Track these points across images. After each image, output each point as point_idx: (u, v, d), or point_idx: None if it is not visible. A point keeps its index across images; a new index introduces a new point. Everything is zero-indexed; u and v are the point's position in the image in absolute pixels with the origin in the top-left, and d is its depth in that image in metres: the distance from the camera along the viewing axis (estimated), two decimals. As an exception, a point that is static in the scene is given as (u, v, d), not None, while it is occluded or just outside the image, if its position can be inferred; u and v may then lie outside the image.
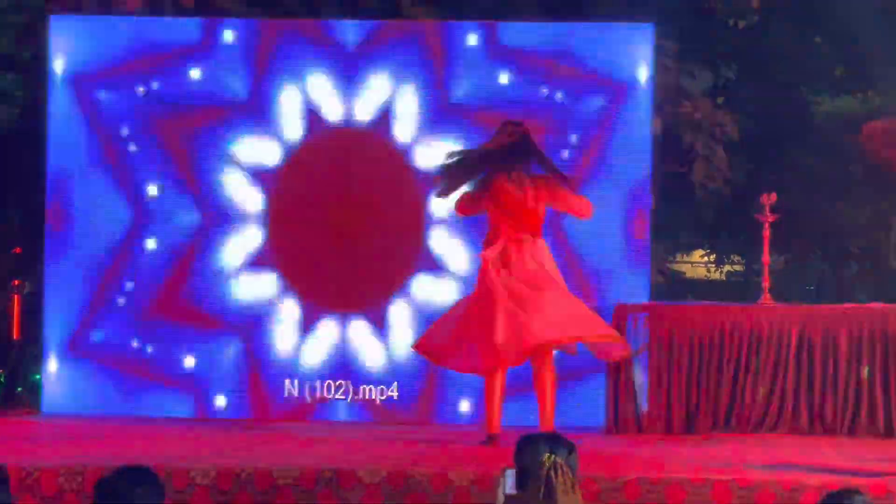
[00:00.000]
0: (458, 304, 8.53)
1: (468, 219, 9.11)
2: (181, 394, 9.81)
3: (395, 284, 9.83)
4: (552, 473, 4.20)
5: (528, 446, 4.49)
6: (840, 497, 4.19)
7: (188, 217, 9.88)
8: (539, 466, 4.26)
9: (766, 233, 9.23)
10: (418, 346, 8.57)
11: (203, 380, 9.82)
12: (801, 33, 11.96)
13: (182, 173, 9.88)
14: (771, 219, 9.20)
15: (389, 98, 9.84)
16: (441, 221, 9.77)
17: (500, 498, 4.56)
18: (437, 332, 8.38)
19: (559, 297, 8.17)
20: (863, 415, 8.87)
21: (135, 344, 9.83)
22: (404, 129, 9.84)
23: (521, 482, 4.45)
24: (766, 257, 9.32)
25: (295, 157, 9.89)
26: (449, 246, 9.81)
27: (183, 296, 9.86)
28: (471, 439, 8.22)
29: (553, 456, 4.25)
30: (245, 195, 9.88)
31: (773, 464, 7.32)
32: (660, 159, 10.40)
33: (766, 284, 9.27)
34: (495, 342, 7.95)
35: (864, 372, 8.87)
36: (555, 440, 4.50)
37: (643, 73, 9.71)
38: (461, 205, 8.48)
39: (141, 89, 9.85)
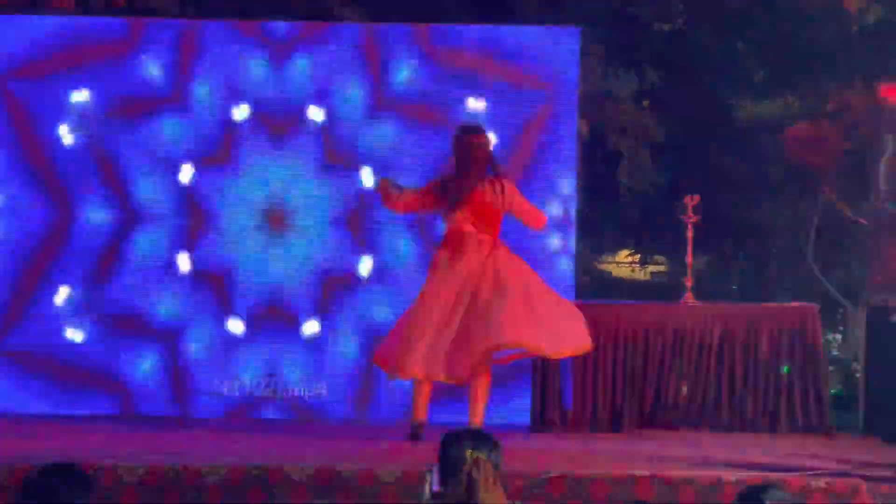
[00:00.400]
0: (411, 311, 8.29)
1: (404, 216, 9.09)
2: (108, 392, 9.73)
3: (328, 285, 9.80)
4: (474, 469, 4.21)
5: (452, 443, 4.49)
6: (758, 491, 4.23)
7: (114, 216, 9.79)
8: (461, 462, 4.26)
9: (690, 233, 9.30)
10: (375, 358, 8.45)
11: (129, 378, 9.74)
12: (723, 39, 12.06)
13: (107, 172, 9.79)
14: (694, 219, 9.26)
15: (322, 97, 9.82)
16: (378, 221, 9.75)
17: (426, 494, 4.56)
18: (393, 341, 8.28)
19: (523, 304, 8.03)
20: (782, 412, 8.96)
21: (61, 342, 9.73)
22: (337, 127, 9.82)
23: (444, 479, 4.45)
24: (689, 257, 9.38)
25: (224, 155, 9.84)
26: (388, 247, 9.80)
27: (108, 295, 9.77)
28: (399, 436, 8.21)
29: (475, 452, 4.25)
30: (173, 194, 9.82)
31: (695, 460, 7.37)
32: (585, 161, 10.45)
33: (689, 284, 9.33)
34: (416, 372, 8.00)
35: (783, 369, 8.96)
36: (478, 436, 4.50)
37: (569, 77, 9.74)
38: (405, 201, 8.26)
39: (76, 96, 9.77)
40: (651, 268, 15.90)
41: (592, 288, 12.37)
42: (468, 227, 8.12)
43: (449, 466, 4.41)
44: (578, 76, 9.81)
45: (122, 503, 6.60)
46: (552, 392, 9.00)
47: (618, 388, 9.01)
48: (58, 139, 9.79)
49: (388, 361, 8.16)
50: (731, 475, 6.71)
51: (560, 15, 10.29)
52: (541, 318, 8.02)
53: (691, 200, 9.24)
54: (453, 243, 8.16)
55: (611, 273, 15.66)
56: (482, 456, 4.28)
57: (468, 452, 4.27)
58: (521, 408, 9.39)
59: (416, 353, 7.99)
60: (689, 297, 9.28)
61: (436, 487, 4.52)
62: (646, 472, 6.74)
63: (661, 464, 7.14)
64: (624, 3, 11.52)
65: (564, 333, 8.13)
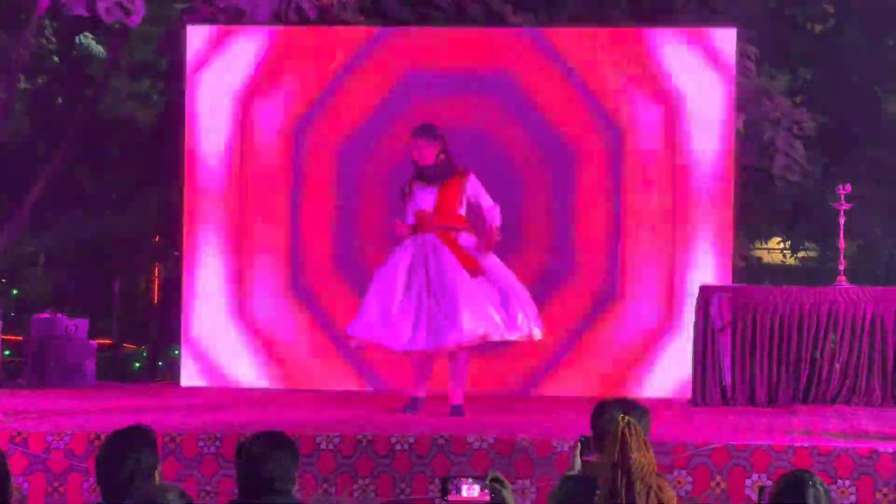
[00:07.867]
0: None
1: None
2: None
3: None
4: (626, 432, 4.10)
5: (603, 410, 4.45)
6: (797, 481, 3.98)
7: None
8: (614, 426, 4.15)
9: (842, 220, 9.12)
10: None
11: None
12: (873, 36, 11.78)
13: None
14: (845, 207, 9.09)
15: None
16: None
17: (577, 463, 4.51)
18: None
19: None
20: (933, 388, 8.75)
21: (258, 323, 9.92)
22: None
23: (598, 445, 4.39)
24: (841, 242, 9.21)
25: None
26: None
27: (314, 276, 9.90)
28: (574, 409, 8.17)
29: (627, 416, 4.17)
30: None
31: (850, 432, 7.23)
32: (741, 153, 10.31)
33: (841, 268, 9.16)
34: None
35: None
36: (628, 404, 4.45)
37: (726, 74, 9.62)
38: None
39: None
40: (801, 254, 15.63)
41: (746, 272, 12.19)
42: None
43: (601, 431, 4.36)
44: (735, 74, 9.68)
45: (320, 468, 6.70)
46: (712, 369, 8.91)
47: (774, 365, 8.89)
48: (263, 142, 9.95)
49: None
50: (886, 446, 6.56)
51: (717, 17, 10.16)
52: None
53: (843, 189, 9.07)
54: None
55: (763, 258, 15.44)
56: (633, 420, 4.19)
57: (620, 417, 4.18)
58: (680, 382, 9.33)
59: None
60: (841, 280, 9.10)
61: (587, 456, 4.47)
62: (805, 444, 6.63)
63: (818, 436, 7.01)
64: (778, 4, 11.35)
65: None
